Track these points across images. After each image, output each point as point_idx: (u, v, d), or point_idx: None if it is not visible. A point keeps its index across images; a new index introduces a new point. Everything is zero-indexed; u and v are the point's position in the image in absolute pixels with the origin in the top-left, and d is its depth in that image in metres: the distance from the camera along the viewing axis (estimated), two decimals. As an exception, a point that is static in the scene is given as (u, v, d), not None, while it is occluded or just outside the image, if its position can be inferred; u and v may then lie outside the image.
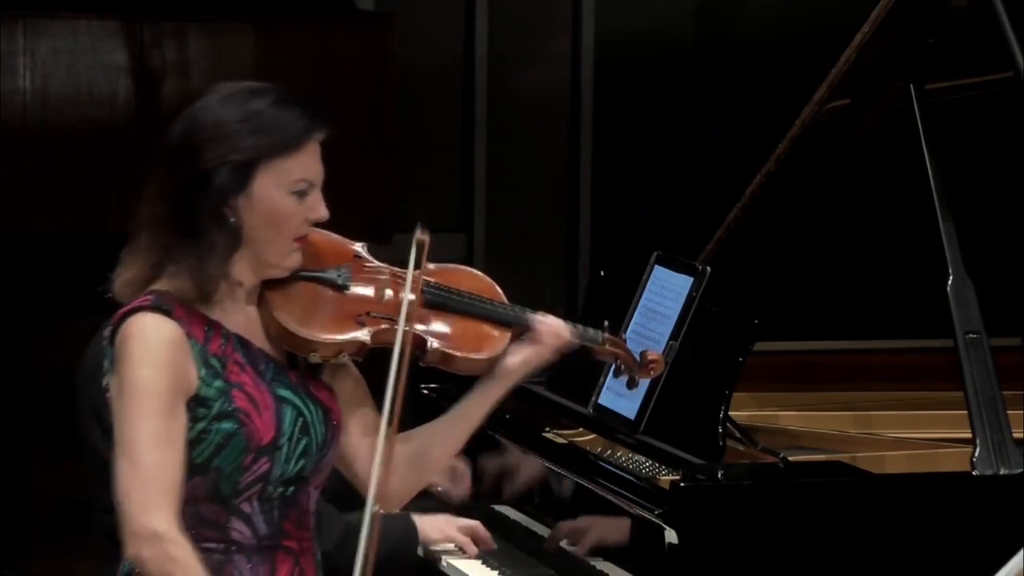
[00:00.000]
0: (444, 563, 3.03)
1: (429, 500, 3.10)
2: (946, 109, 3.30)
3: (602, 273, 3.50)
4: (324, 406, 2.23)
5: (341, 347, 2.21)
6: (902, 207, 3.56)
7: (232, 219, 2.14)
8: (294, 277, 2.23)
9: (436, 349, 2.26)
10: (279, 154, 2.16)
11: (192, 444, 2.10)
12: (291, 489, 2.19)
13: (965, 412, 2.84)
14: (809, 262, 3.91)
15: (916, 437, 3.17)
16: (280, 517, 2.18)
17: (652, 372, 2.47)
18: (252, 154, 2.14)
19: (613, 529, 2.79)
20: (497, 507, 3.23)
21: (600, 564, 2.87)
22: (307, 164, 2.20)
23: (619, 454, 3.03)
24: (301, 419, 2.19)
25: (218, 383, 2.12)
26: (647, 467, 2.92)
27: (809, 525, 2.71)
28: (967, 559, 2.66)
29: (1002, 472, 2.76)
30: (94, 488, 2.58)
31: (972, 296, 2.92)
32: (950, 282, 2.93)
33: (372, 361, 2.27)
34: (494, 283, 2.40)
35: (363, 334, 2.21)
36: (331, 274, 2.25)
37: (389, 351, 2.18)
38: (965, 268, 2.94)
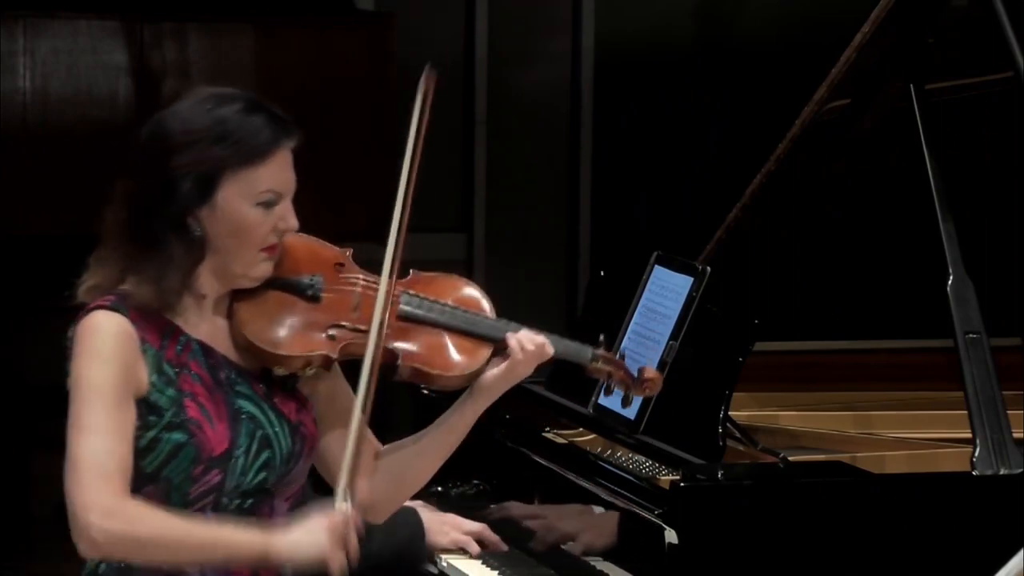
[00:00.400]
0: (444, 563, 3.03)
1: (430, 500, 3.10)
2: (946, 109, 3.30)
3: (602, 273, 3.49)
4: (290, 419, 2.17)
5: (307, 360, 2.14)
6: (902, 207, 3.56)
7: (197, 230, 2.09)
8: (265, 285, 2.16)
9: (407, 365, 2.18)
10: (244, 164, 2.08)
11: (143, 452, 2.07)
12: (250, 501, 2.14)
13: (965, 412, 2.84)
14: (809, 262, 3.91)
15: (916, 437, 3.17)
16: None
17: (648, 391, 2.37)
18: (216, 164, 2.07)
19: (604, 526, 2.79)
20: (495, 506, 3.23)
21: (600, 564, 2.87)
22: (274, 174, 2.12)
23: (619, 454, 3.03)
24: (260, 431, 2.13)
25: (170, 391, 2.08)
26: (647, 467, 2.92)
27: (809, 525, 2.71)
28: (967, 559, 2.66)
29: (1002, 472, 2.75)
30: None
31: (972, 296, 2.92)
32: (950, 282, 2.92)
33: (351, 367, 2.20)
34: (482, 293, 2.31)
35: (330, 348, 2.14)
36: (303, 283, 2.17)
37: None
38: (965, 268, 2.94)
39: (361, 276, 2.22)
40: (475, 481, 3.18)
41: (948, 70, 3.25)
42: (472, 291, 2.32)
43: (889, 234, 3.74)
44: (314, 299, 2.16)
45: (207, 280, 2.13)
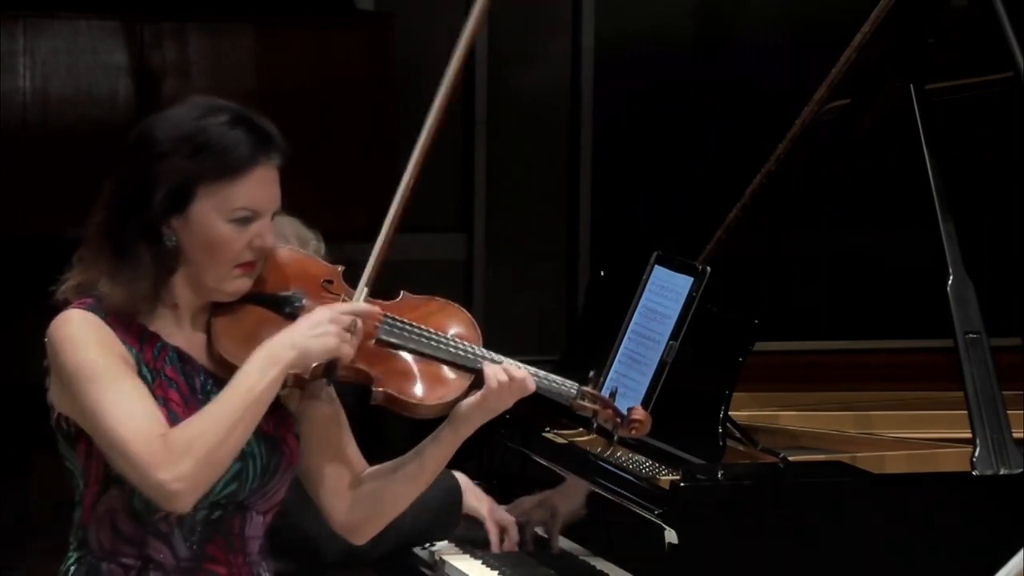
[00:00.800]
0: (444, 563, 3.03)
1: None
2: (946, 109, 3.30)
3: (602, 273, 3.49)
4: (267, 433, 2.10)
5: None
6: (902, 207, 3.56)
7: (170, 240, 2.05)
8: (244, 299, 2.10)
9: (381, 391, 2.10)
10: (219, 179, 2.02)
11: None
12: (218, 513, 2.10)
13: (965, 412, 2.84)
14: (809, 262, 3.91)
15: (916, 437, 3.17)
16: (203, 540, 2.09)
17: (636, 432, 2.25)
18: (191, 175, 2.02)
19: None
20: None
21: (600, 564, 2.87)
22: (251, 192, 2.05)
23: (619, 454, 3.03)
24: None
25: None
26: (647, 467, 2.92)
27: (809, 525, 2.71)
28: (967, 558, 2.66)
29: (1002, 472, 2.76)
30: None
31: (972, 296, 2.92)
32: (950, 282, 2.92)
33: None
34: (470, 320, 2.25)
35: (304, 369, 2.06)
36: (282, 299, 2.11)
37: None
38: (965, 268, 2.94)
39: (346, 296, 2.16)
40: (475, 481, 3.18)
41: (948, 70, 3.25)
42: (459, 318, 2.24)
43: (889, 233, 3.74)
44: (292, 316, 2.10)
45: (181, 291, 2.09)
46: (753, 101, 7.15)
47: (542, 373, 2.22)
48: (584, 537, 3.00)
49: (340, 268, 2.23)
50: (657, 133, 7.42)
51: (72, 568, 2.10)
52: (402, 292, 2.25)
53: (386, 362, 2.15)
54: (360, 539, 2.28)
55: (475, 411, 2.18)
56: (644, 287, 3.10)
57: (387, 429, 2.46)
